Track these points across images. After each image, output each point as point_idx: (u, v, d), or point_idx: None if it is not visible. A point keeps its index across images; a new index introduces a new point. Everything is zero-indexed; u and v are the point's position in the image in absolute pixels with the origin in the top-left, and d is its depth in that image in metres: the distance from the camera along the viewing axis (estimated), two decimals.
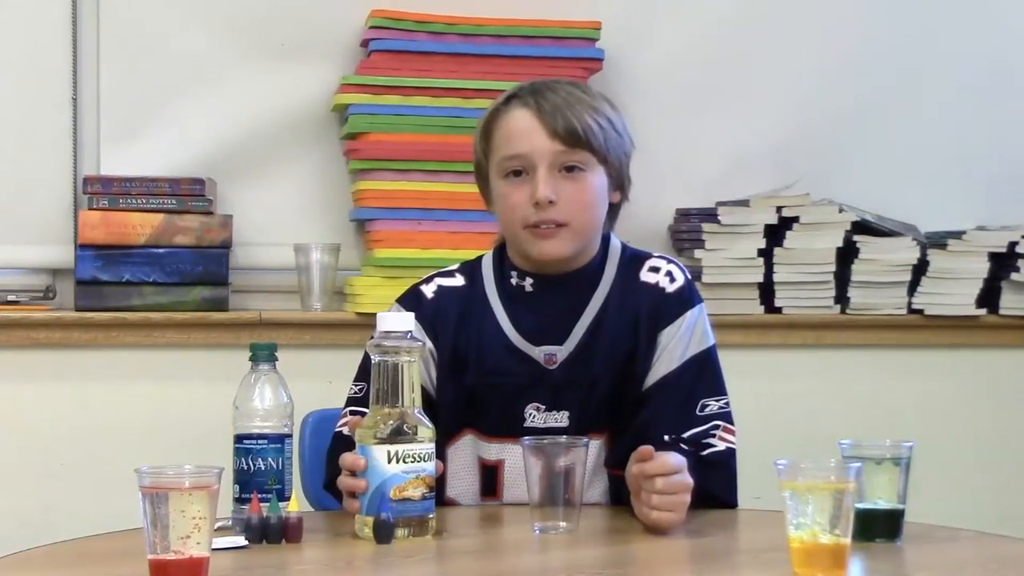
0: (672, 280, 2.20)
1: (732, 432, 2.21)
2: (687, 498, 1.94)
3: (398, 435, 1.88)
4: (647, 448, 1.95)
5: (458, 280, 2.24)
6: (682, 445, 2.13)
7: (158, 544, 1.58)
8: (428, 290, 2.24)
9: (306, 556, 1.82)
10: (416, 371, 1.91)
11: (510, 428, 2.14)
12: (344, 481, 1.93)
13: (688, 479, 1.94)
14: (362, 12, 3.20)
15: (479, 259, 2.27)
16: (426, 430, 1.89)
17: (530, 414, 2.16)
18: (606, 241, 2.24)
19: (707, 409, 2.17)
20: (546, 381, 2.16)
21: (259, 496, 1.88)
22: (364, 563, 1.80)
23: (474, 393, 2.18)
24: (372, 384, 1.91)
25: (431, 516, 1.90)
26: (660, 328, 2.17)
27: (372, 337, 1.94)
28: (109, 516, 2.21)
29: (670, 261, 2.23)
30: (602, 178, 2.17)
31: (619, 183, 2.23)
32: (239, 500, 1.94)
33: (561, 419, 2.15)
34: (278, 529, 1.85)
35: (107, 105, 3.17)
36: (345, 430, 2.22)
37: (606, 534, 2.03)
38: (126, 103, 3.18)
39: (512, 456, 2.15)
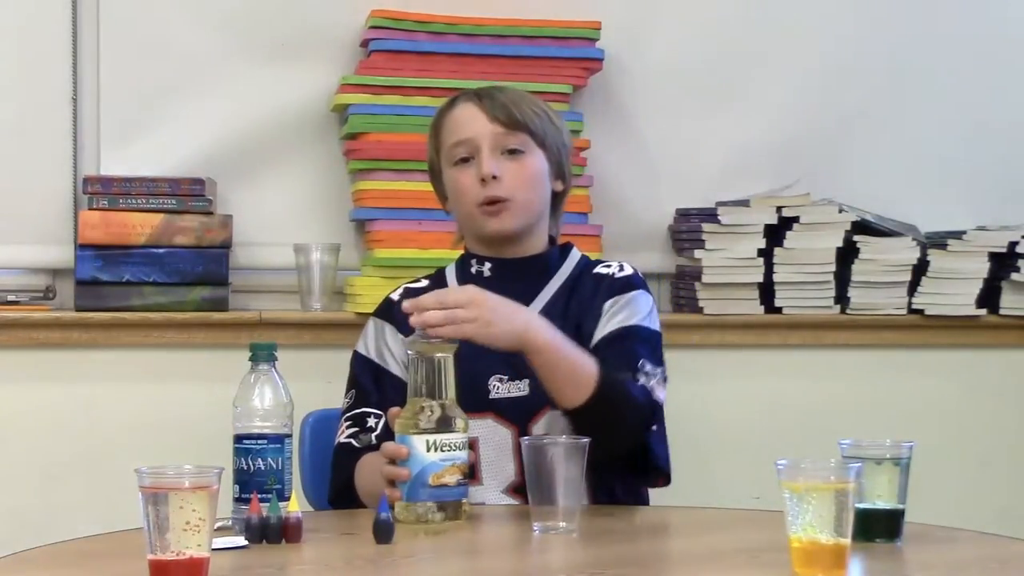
0: (622, 270, 2.38)
1: (659, 389, 2.26)
2: (476, 312, 2.06)
3: (438, 425, 1.99)
4: None
5: (423, 283, 2.41)
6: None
7: (158, 544, 1.58)
8: (395, 295, 2.41)
9: (306, 556, 1.82)
10: (451, 363, 2.03)
11: (478, 402, 2.23)
12: (386, 469, 2.01)
13: (462, 296, 2.10)
14: (362, 12, 3.20)
15: (444, 267, 2.46)
16: (460, 421, 2.01)
17: (494, 385, 2.28)
18: (568, 248, 2.42)
19: (645, 369, 2.26)
20: (504, 353, 2.21)
21: (259, 496, 1.88)
22: (364, 563, 1.80)
23: None
24: (411, 377, 2.03)
25: (464, 500, 2.01)
26: (606, 299, 2.32)
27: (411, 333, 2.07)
28: (109, 516, 2.21)
29: (624, 263, 2.41)
30: (542, 161, 2.36)
31: (559, 171, 2.39)
32: (239, 500, 1.94)
33: (523, 387, 2.27)
34: (278, 529, 1.86)
35: (107, 105, 3.17)
36: (354, 442, 2.26)
37: (606, 534, 2.03)
38: (126, 103, 3.17)
39: (484, 432, 2.26)
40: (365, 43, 3.19)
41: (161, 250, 3.05)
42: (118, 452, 3.00)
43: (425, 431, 1.99)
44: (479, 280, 2.33)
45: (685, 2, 3.37)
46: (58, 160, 3.16)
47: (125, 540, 1.86)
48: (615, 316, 2.31)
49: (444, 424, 1.99)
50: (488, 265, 2.37)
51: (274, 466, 1.95)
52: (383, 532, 1.85)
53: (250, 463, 1.95)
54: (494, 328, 2.08)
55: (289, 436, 1.98)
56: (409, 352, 2.05)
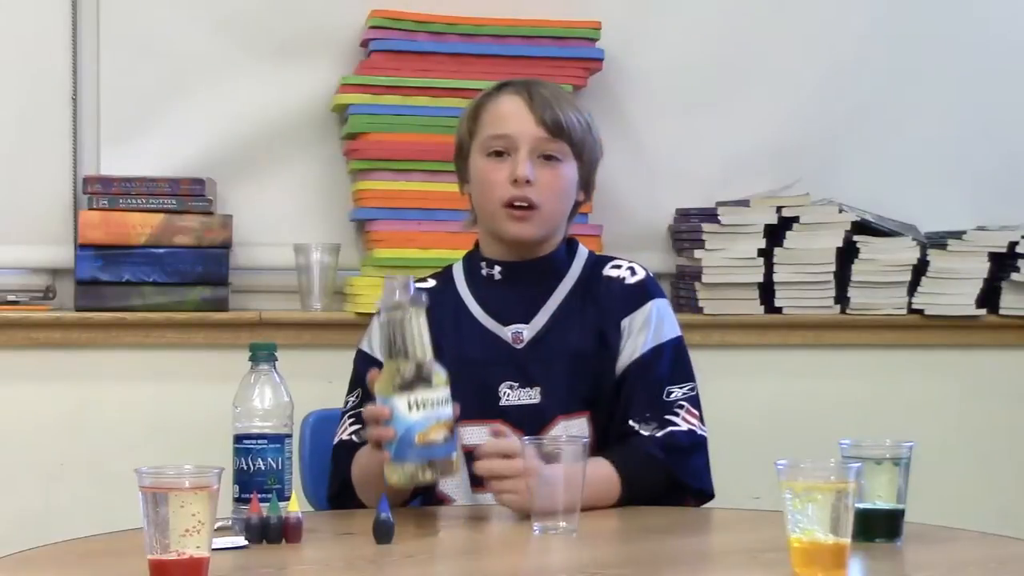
0: (634, 274, 2.34)
1: (696, 416, 2.28)
2: (524, 483, 1.98)
3: (415, 383, 1.95)
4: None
5: (430, 283, 2.37)
6: (642, 432, 2.23)
7: (158, 544, 1.58)
8: None
9: (306, 556, 1.82)
10: (423, 322, 1.98)
11: (488, 409, 2.23)
12: (372, 432, 1.99)
13: (519, 463, 1.99)
14: (362, 12, 3.20)
15: (451, 265, 2.41)
16: (439, 376, 1.97)
17: (504, 392, 2.27)
18: (574, 245, 2.38)
19: (672, 396, 2.27)
20: (515, 359, 2.27)
21: (259, 496, 1.88)
22: (364, 563, 1.80)
23: (453, 380, 2.20)
24: (382, 341, 1.99)
25: (454, 454, 1.97)
26: (623, 315, 2.30)
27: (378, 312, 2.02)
28: (109, 516, 2.21)
29: (632, 262, 2.37)
30: (575, 172, 2.33)
31: (586, 183, 2.37)
32: (239, 500, 1.94)
33: (534, 395, 2.26)
34: (278, 529, 1.86)
35: (107, 105, 3.17)
36: (355, 438, 2.25)
37: (606, 534, 2.03)
38: (126, 103, 3.17)
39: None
40: (365, 43, 3.19)
41: (161, 250, 3.05)
42: (118, 452, 3.00)
43: (404, 390, 1.94)
44: (489, 282, 2.32)
45: (685, 2, 3.37)
46: (58, 160, 3.16)
47: (125, 540, 1.86)
48: (635, 338, 2.28)
49: (422, 381, 1.95)
50: (498, 268, 2.33)
51: (274, 466, 1.95)
52: (383, 532, 1.85)
53: (250, 463, 1.95)
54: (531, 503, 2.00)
55: (289, 436, 1.98)
56: (380, 317, 2.00)
